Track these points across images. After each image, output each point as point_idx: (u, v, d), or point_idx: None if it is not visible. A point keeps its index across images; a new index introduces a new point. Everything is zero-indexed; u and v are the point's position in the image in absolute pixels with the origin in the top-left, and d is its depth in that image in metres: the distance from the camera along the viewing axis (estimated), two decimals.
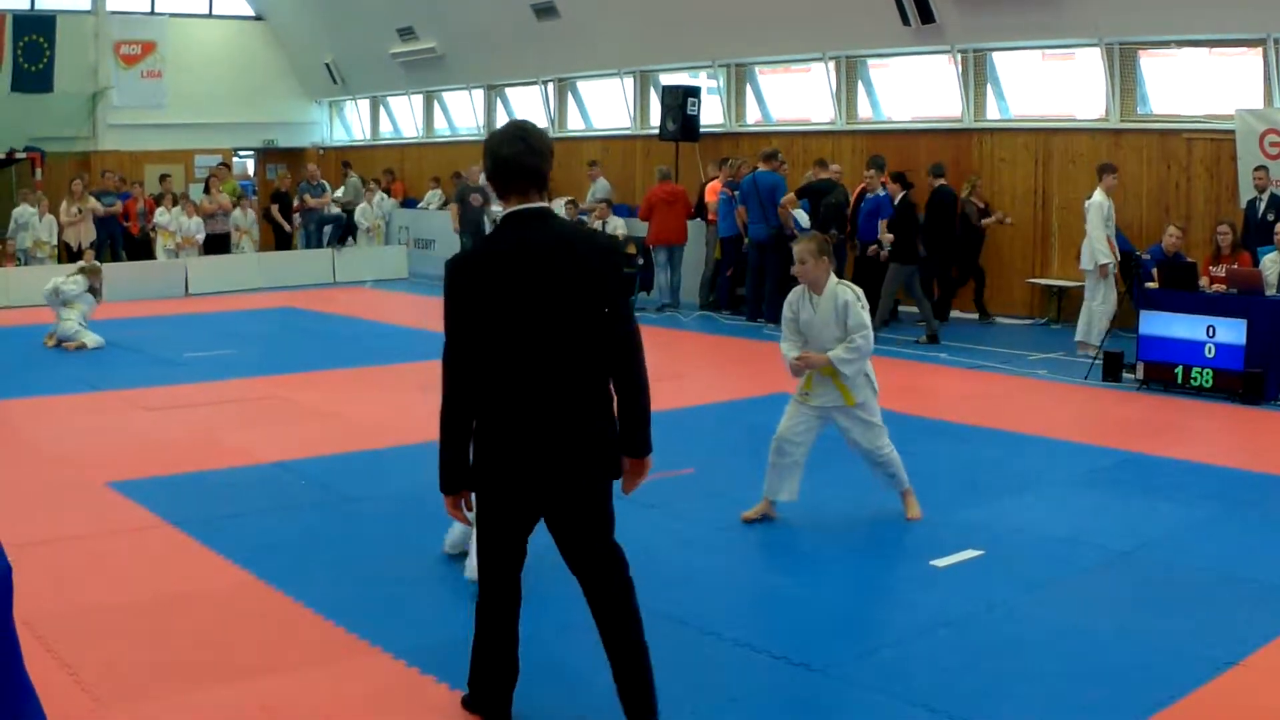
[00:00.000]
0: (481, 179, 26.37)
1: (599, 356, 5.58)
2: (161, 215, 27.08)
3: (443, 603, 7.89)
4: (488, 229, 24.94)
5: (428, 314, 22.35)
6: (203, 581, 8.26)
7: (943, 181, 20.60)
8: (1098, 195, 17.38)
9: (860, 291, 9.40)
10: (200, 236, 27.18)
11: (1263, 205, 17.11)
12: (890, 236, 19.27)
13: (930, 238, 20.56)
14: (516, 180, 5.59)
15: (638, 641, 5.81)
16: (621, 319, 5.62)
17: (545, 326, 5.47)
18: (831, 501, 10.09)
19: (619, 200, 26.16)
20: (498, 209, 26.56)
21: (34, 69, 31.74)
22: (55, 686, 6.41)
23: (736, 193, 21.21)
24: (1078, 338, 17.56)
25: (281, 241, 29.60)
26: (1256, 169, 17.47)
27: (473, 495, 5.74)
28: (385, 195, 31.68)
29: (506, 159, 5.57)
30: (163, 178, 28.78)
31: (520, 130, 5.66)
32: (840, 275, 20.56)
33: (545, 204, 5.66)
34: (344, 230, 29.96)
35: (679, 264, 23.25)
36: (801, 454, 9.44)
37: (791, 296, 9.46)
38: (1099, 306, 17.21)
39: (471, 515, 5.83)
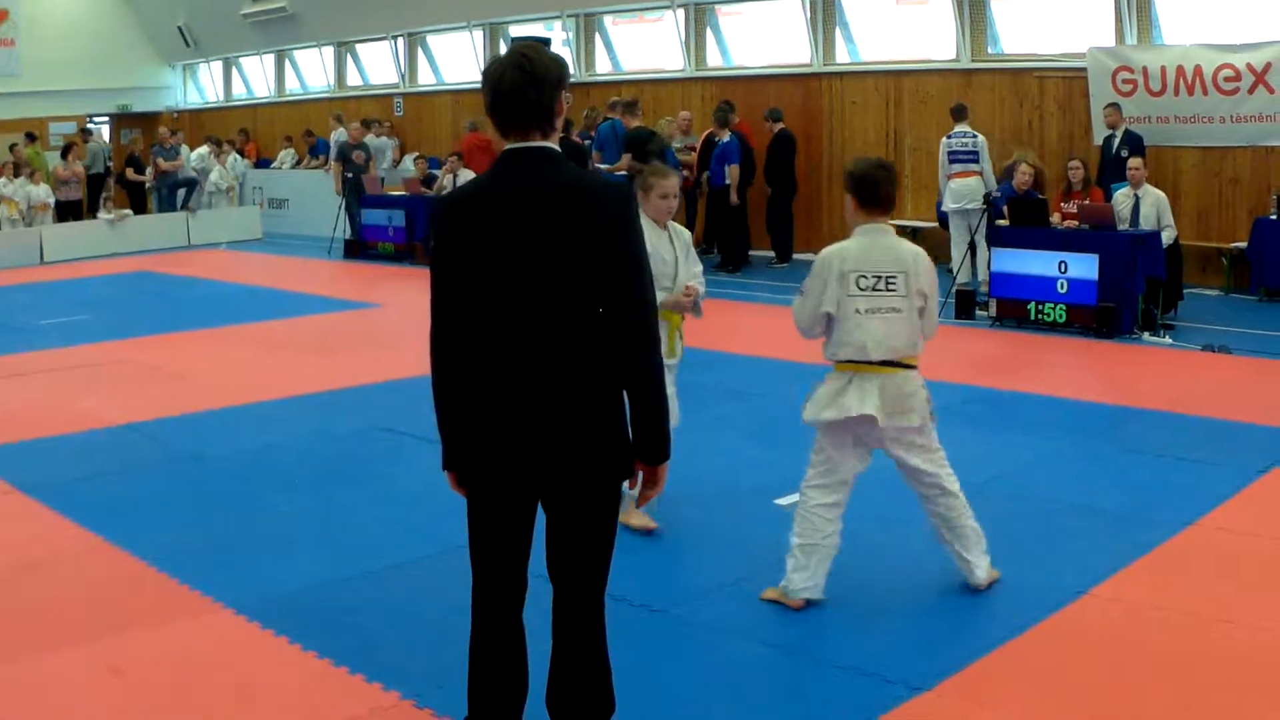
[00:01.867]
0: (364, 136, 26.32)
1: (606, 332, 4.59)
2: (5, 185, 26.65)
3: (287, 559, 7.85)
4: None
5: (280, 273, 22.30)
6: (52, 546, 8.20)
7: (781, 126, 21.16)
8: (981, 136, 17.72)
9: None
10: (50, 202, 26.87)
11: (1117, 141, 17.30)
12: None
13: (771, 178, 21.19)
14: (516, 116, 4.60)
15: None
16: (636, 291, 4.58)
17: (542, 286, 4.54)
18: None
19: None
20: (385, 173, 26.34)
21: None
22: None
23: (588, 142, 21.19)
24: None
25: (137, 204, 29.32)
26: (1108, 106, 17.72)
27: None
28: (239, 156, 31.45)
29: (505, 92, 4.59)
30: (12, 146, 28.39)
31: (523, 58, 4.60)
32: (691, 221, 20.84)
33: (550, 144, 4.68)
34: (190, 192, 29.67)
35: None
36: None
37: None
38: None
39: None
